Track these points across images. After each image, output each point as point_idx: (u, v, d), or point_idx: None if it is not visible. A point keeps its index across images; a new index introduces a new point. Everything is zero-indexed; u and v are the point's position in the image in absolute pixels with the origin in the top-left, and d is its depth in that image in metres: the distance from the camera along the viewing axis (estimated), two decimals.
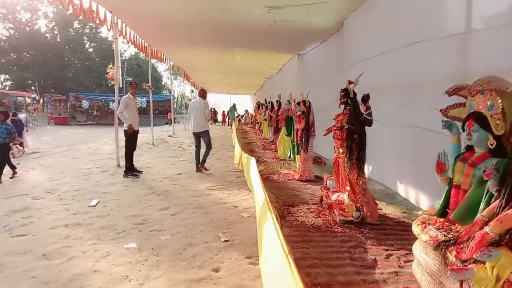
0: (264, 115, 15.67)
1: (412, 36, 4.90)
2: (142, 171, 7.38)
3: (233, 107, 26.01)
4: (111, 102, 29.33)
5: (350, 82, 4.44)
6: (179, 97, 38.89)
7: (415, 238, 3.79)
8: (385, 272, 3.07)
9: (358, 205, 4.36)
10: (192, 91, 25.82)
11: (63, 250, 3.47)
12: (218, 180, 6.93)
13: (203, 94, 8.09)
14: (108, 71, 8.20)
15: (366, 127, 4.33)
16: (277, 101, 11.60)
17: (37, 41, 38.50)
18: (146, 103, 28.31)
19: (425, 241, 2.33)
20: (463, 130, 2.34)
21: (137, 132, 7.15)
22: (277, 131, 10.86)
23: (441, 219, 2.45)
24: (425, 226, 2.44)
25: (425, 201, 4.62)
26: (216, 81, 23.23)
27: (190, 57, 14.72)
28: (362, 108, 4.28)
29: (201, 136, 7.85)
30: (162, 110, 32.74)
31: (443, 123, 2.57)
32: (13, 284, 2.84)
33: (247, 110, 33.41)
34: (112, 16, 7.99)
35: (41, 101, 34.53)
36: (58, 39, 41.02)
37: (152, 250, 3.53)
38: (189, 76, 21.70)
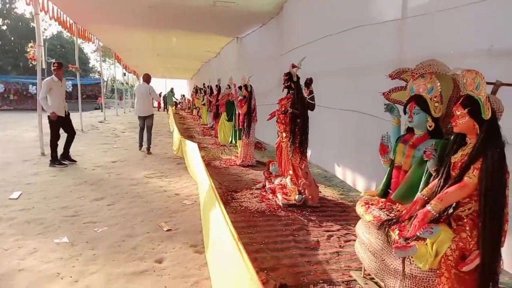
0: (203, 100, 15.34)
1: (351, 21, 5.03)
2: (76, 161, 6.76)
3: (171, 92, 25.11)
4: (30, 86, 26.71)
5: (293, 66, 4.45)
6: (109, 81, 36.40)
7: (353, 219, 3.99)
8: (327, 253, 3.17)
9: (300, 188, 4.44)
10: (124, 74, 24.39)
11: None
12: (156, 167, 6.64)
13: (147, 78, 8.43)
14: (28, 50, 7.33)
15: (309, 111, 4.39)
16: (216, 86, 11.38)
17: None
18: (72, 87, 26.19)
19: (369, 221, 2.40)
20: (405, 113, 2.44)
21: (67, 116, 6.49)
22: (216, 116, 10.69)
23: (383, 199, 2.55)
24: (369, 207, 2.51)
25: (361, 183, 4.86)
26: (150, 64, 22.16)
27: (122, 38, 13.78)
28: (305, 92, 4.33)
29: (146, 119, 8.07)
30: (90, 95, 30.66)
31: (385, 106, 2.66)
32: None
33: (183, 95, 32.59)
34: None
35: None
36: None
37: (87, 243, 3.25)
38: (121, 58, 20.41)
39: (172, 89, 25.82)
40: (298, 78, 4.48)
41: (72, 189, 5.01)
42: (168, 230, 3.63)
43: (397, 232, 2.13)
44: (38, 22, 7.40)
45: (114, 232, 3.54)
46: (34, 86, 25.75)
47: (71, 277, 2.66)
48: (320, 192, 4.87)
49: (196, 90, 19.39)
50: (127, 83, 25.43)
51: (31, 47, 7.35)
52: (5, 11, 39.15)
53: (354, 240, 3.39)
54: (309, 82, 4.29)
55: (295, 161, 4.51)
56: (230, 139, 8.83)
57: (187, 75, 31.00)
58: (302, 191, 4.40)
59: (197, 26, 10.64)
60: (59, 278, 2.63)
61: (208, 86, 13.64)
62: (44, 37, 38.71)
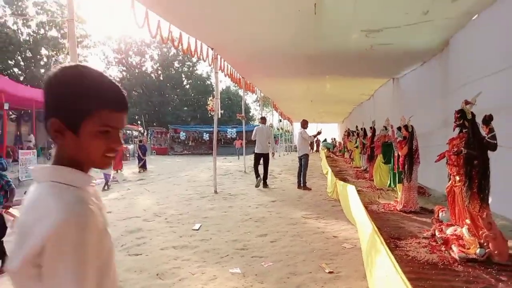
0: (355, 142, 15.11)
1: None
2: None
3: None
4: (204, 133, 31.28)
5: (466, 103, 4.02)
6: None
7: None
8: None
9: (482, 241, 3.81)
10: (280, 120, 26.25)
11: (174, 271, 3.63)
12: (313, 208, 6.76)
13: (303, 124, 9.81)
14: (209, 103, 8.83)
15: (489, 152, 3.84)
16: (371, 128, 11.10)
17: (144, 80, 43.49)
18: (236, 134, 29.51)
19: None
20: None
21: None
22: (371, 158, 10.33)
23: None
24: None
25: None
26: (303, 110, 23.32)
27: (279, 87, 15.06)
28: (484, 131, 3.83)
29: (301, 159, 9.24)
30: (251, 140, 33.80)
31: None
32: None
33: (334, 138, 32.86)
34: (214, 52, 8.66)
35: (145, 133, 38.35)
36: (161, 78, 45.76)
37: (256, 276, 3.49)
38: (277, 106, 22.18)
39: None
40: (473, 115, 4.01)
41: (240, 224, 5.53)
42: (330, 272, 3.59)
43: None
44: (217, 79, 8.88)
45: (279, 268, 3.71)
46: (207, 134, 30.16)
47: None
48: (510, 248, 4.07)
49: (348, 133, 19.27)
50: (282, 129, 27.30)
51: (211, 100, 8.79)
52: (189, 73, 48.18)
53: None
54: (488, 119, 3.79)
55: (473, 209, 3.93)
56: (389, 182, 8.34)
57: (338, 119, 31.30)
58: (485, 244, 3.76)
59: (352, 70, 10.80)
60: None
61: (361, 129, 13.42)
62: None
